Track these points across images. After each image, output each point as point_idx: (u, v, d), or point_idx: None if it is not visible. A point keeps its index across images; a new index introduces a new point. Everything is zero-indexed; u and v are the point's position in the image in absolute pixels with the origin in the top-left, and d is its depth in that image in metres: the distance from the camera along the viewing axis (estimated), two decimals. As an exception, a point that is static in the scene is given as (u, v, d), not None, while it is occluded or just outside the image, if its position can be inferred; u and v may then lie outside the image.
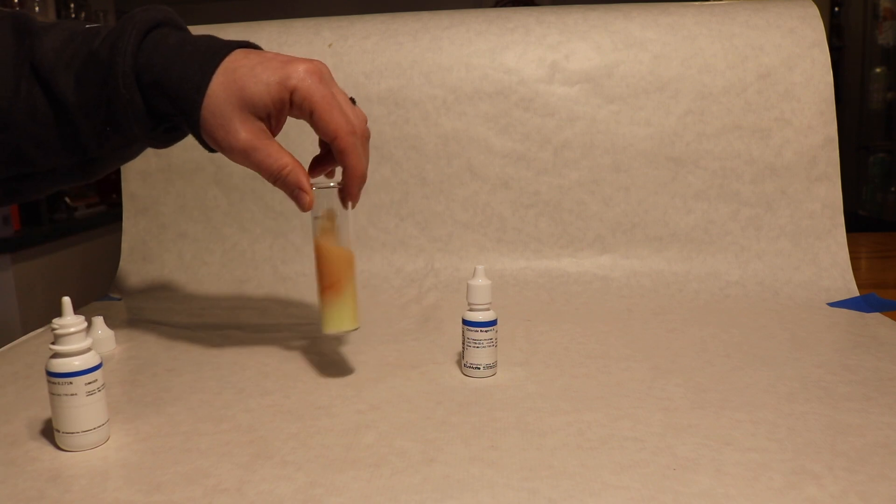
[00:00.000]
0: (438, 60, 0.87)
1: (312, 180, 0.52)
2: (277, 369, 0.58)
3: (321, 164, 0.56)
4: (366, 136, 0.52)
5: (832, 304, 0.76)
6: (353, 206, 0.53)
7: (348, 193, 0.53)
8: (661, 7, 0.88)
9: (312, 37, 0.90)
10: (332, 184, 0.53)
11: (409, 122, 0.86)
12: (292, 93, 0.49)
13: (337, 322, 0.53)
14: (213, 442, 0.45)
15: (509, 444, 0.44)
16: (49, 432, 0.46)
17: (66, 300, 0.44)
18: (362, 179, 0.52)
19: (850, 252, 0.81)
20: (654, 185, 0.84)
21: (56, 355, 0.43)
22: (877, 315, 0.71)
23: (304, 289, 0.83)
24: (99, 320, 0.65)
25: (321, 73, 0.50)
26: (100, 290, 0.89)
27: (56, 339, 0.43)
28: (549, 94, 0.85)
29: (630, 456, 0.42)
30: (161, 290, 0.86)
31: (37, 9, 2.55)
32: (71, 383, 0.43)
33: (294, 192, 0.51)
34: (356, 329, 0.54)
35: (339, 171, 0.53)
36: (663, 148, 0.84)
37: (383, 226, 0.86)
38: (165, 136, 0.55)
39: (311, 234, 0.54)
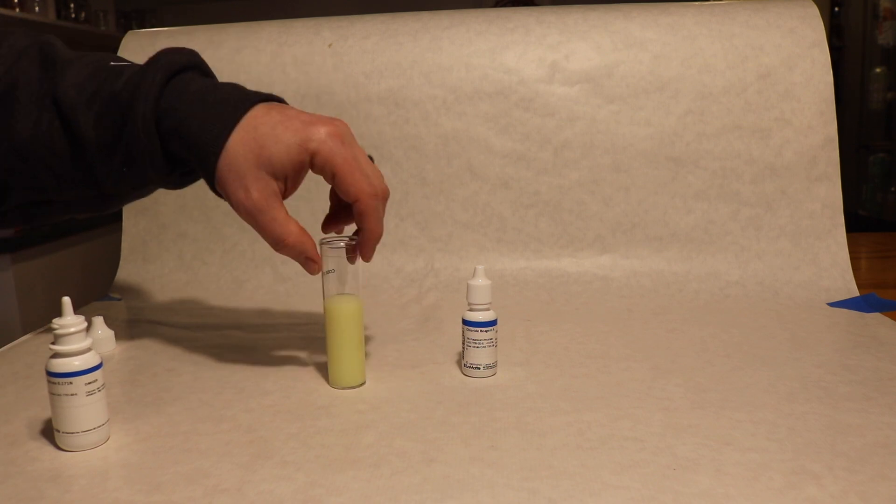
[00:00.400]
0: (438, 60, 0.87)
1: (323, 236, 0.52)
2: (277, 369, 0.58)
3: (333, 221, 0.56)
4: (386, 196, 0.52)
5: (832, 304, 0.76)
6: (366, 262, 0.53)
7: (363, 253, 0.52)
8: (661, 7, 0.88)
9: (312, 37, 0.90)
10: (341, 243, 0.53)
11: (409, 122, 0.86)
12: (313, 156, 0.48)
13: (343, 379, 0.54)
14: (213, 442, 0.45)
15: (509, 444, 0.44)
16: (49, 432, 0.46)
17: (66, 300, 0.44)
18: (378, 240, 0.52)
19: (850, 252, 0.81)
20: (654, 185, 0.84)
21: (56, 355, 0.43)
22: (877, 315, 0.71)
23: (304, 289, 0.84)
24: (99, 320, 0.65)
25: (342, 134, 0.49)
26: (100, 290, 0.89)
27: (56, 338, 0.43)
28: (549, 94, 0.85)
29: (630, 456, 0.42)
30: (161, 290, 0.86)
31: (37, 9, 2.55)
32: (71, 383, 0.43)
33: (301, 259, 0.51)
34: (362, 384, 0.55)
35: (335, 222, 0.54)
36: (663, 148, 0.84)
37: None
38: (180, 180, 0.55)
39: (322, 290, 0.54)
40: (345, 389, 0.54)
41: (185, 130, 0.49)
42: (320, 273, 0.53)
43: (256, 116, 0.49)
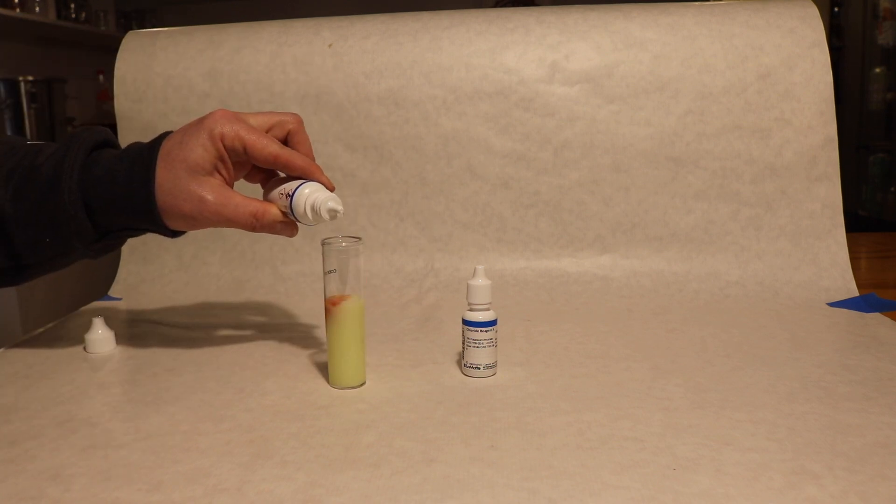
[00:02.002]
0: (438, 60, 0.87)
1: (325, 238, 0.53)
2: (277, 369, 0.59)
3: (267, 179, 0.58)
4: (293, 128, 0.56)
5: (832, 304, 0.76)
6: (333, 189, 0.54)
7: (323, 182, 0.54)
8: (661, 7, 0.88)
9: (312, 37, 0.90)
10: (343, 243, 0.53)
11: (409, 122, 0.86)
12: (222, 139, 0.52)
13: (343, 379, 0.54)
14: (213, 441, 0.45)
15: (509, 444, 0.44)
16: (49, 431, 0.46)
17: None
18: (318, 168, 0.54)
19: (850, 252, 0.81)
20: (654, 185, 0.84)
21: None
22: (877, 315, 0.71)
23: (305, 289, 0.84)
24: (99, 320, 0.65)
25: (231, 114, 0.53)
26: (100, 290, 0.89)
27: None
28: (549, 94, 0.85)
29: (630, 456, 0.42)
30: (161, 290, 0.86)
31: (37, 9, 2.55)
32: None
33: (275, 228, 0.54)
34: (362, 385, 0.55)
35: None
36: (663, 148, 0.84)
37: (383, 226, 0.86)
38: (101, 248, 0.56)
39: (323, 289, 0.55)
40: (345, 389, 0.54)
41: (115, 191, 0.52)
42: (324, 273, 0.53)
43: (164, 147, 0.52)
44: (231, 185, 0.54)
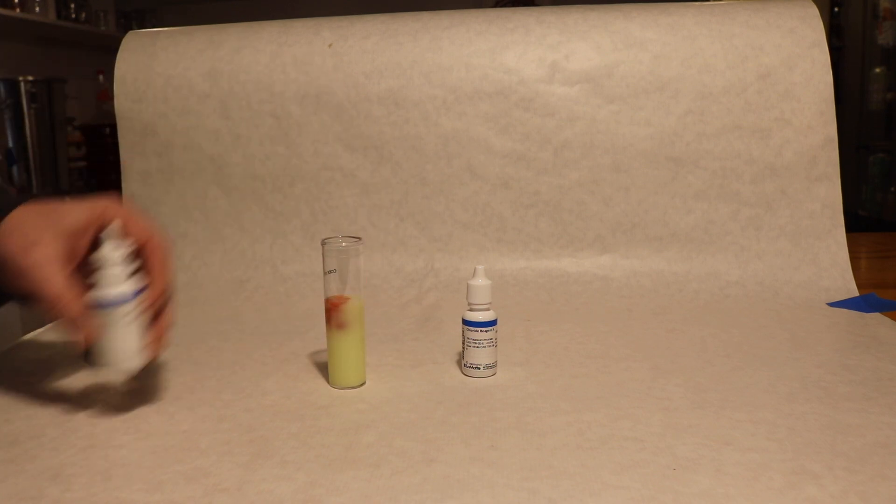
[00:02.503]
0: (438, 60, 0.87)
1: (325, 238, 0.53)
2: (277, 369, 0.59)
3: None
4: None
5: (832, 304, 0.76)
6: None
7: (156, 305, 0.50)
8: (661, 7, 0.88)
9: (312, 37, 0.90)
10: (343, 244, 0.53)
11: (409, 122, 0.86)
12: (103, 213, 0.48)
13: (343, 379, 0.54)
14: (213, 441, 0.45)
15: (509, 444, 0.44)
16: (49, 431, 0.46)
17: (113, 227, 0.47)
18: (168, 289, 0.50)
19: (850, 252, 0.81)
20: (654, 185, 0.84)
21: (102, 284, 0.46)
22: (877, 315, 0.71)
23: (305, 289, 0.83)
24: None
25: (118, 200, 0.50)
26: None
27: (100, 268, 0.46)
28: (549, 94, 0.85)
29: (630, 456, 0.42)
30: (161, 290, 0.86)
31: (37, 9, 2.55)
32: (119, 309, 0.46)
33: (68, 324, 0.47)
34: (362, 385, 0.55)
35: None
36: (663, 148, 0.84)
37: (383, 226, 0.86)
38: None
39: (323, 289, 0.54)
40: (345, 389, 0.54)
41: None
42: (324, 273, 0.53)
43: (30, 204, 0.49)
44: (72, 264, 0.48)
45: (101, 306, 0.46)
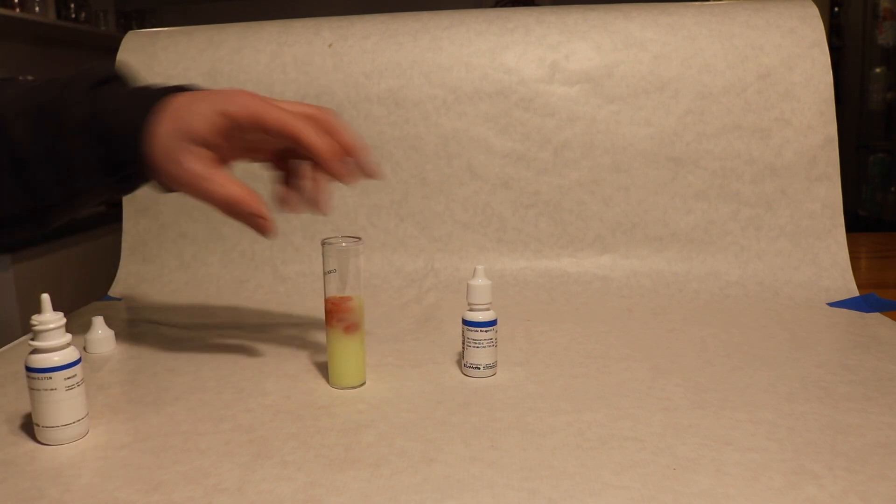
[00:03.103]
0: (438, 60, 0.87)
1: (325, 238, 0.52)
2: (277, 369, 0.58)
3: (286, 184, 0.56)
4: (325, 117, 0.53)
5: (832, 304, 0.76)
6: (346, 182, 0.52)
7: (330, 171, 0.52)
8: (661, 7, 0.88)
9: (312, 37, 0.90)
10: (343, 243, 0.53)
11: (409, 122, 0.86)
12: (235, 117, 0.50)
13: (343, 379, 0.54)
14: (213, 442, 0.45)
15: (509, 444, 0.44)
16: (49, 432, 0.46)
17: (45, 297, 0.45)
18: (331, 153, 0.51)
19: (850, 252, 0.81)
20: (654, 185, 0.84)
21: (35, 351, 0.44)
22: (877, 315, 0.71)
23: (305, 289, 0.83)
24: (99, 320, 0.65)
25: (257, 94, 0.51)
26: (100, 290, 0.89)
27: (35, 335, 0.44)
28: (549, 94, 0.85)
29: (630, 456, 0.42)
30: (161, 290, 0.86)
31: (37, 9, 2.55)
32: (51, 378, 0.44)
33: (250, 219, 0.51)
34: (362, 385, 0.55)
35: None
36: (663, 148, 0.84)
37: (383, 226, 0.86)
38: (118, 186, 0.55)
39: (323, 289, 0.54)
40: (345, 389, 0.54)
41: (115, 128, 0.51)
42: (324, 273, 0.53)
43: (174, 100, 0.51)
44: (226, 165, 0.53)
45: (42, 372, 0.45)
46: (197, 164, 0.50)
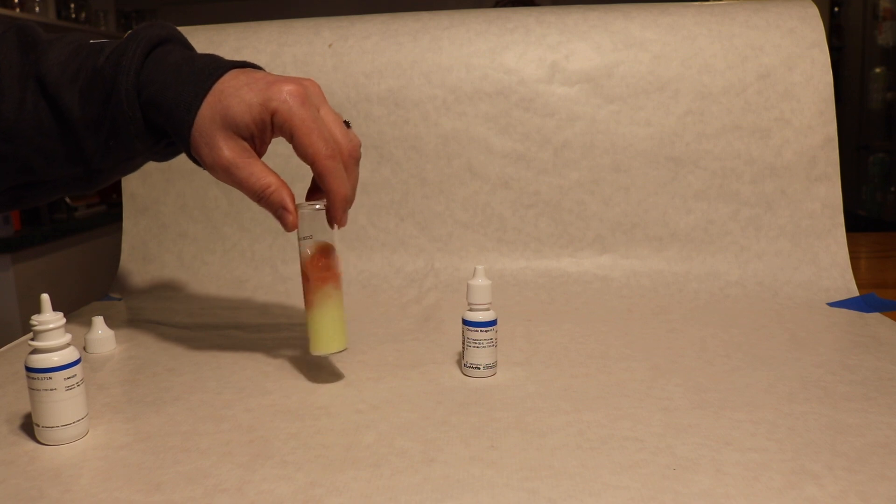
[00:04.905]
0: (438, 60, 0.87)
1: (298, 202, 0.52)
2: (277, 369, 0.59)
3: (316, 190, 0.55)
4: (353, 159, 0.52)
5: (832, 304, 0.76)
6: (340, 227, 0.53)
7: (332, 216, 0.52)
8: (661, 7, 0.88)
9: (312, 37, 0.90)
10: (318, 206, 0.52)
11: (409, 122, 0.86)
12: (273, 115, 0.49)
13: (324, 344, 0.53)
14: (213, 442, 0.45)
15: (509, 444, 0.44)
16: (49, 432, 0.46)
17: (45, 297, 0.45)
18: (346, 203, 0.51)
19: (850, 252, 0.81)
20: (654, 185, 0.84)
21: (35, 351, 0.44)
22: (877, 315, 0.71)
23: (304, 289, 0.83)
24: (99, 320, 0.65)
25: (306, 94, 0.49)
26: (100, 290, 0.89)
27: (35, 335, 0.44)
28: (549, 94, 0.85)
29: (630, 456, 0.42)
30: (161, 290, 0.86)
31: (37, 9, 2.55)
32: (51, 378, 0.44)
33: (277, 211, 0.51)
34: (344, 350, 0.54)
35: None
36: (663, 148, 0.84)
37: (383, 226, 0.86)
38: (166, 151, 0.56)
39: (298, 256, 0.53)
40: (326, 355, 0.53)
41: (162, 102, 0.50)
42: (298, 239, 0.52)
43: (225, 81, 0.50)
44: (261, 150, 0.52)
45: (42, 372, 0.45)
46: (234, 153, 0.50)
